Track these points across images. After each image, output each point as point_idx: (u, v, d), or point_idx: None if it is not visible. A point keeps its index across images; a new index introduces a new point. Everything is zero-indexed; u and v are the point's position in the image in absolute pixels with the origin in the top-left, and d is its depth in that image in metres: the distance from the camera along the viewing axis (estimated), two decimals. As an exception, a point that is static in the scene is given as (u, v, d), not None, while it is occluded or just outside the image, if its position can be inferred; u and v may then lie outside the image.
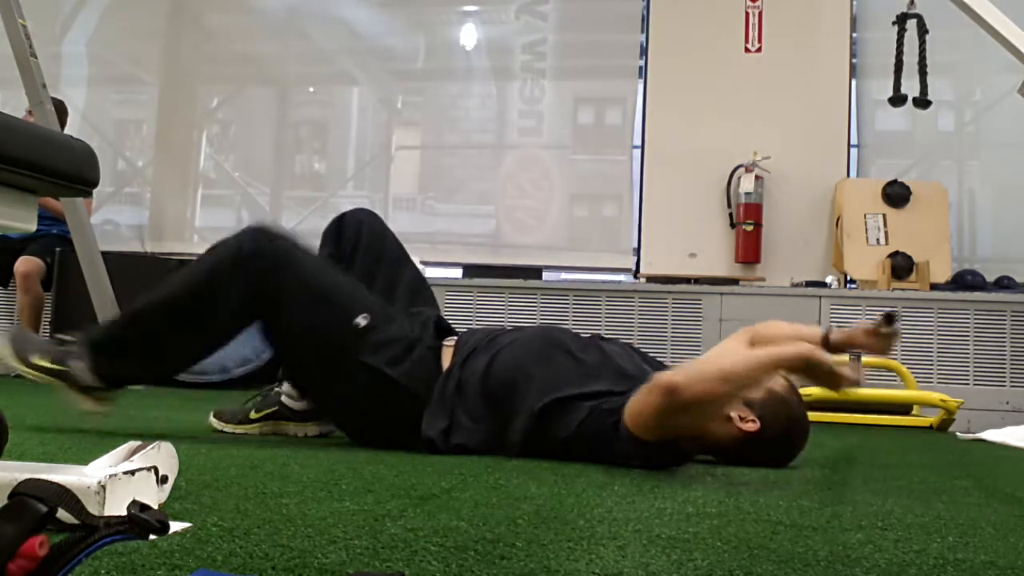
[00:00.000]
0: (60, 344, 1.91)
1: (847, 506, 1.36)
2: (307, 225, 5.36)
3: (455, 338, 1.94)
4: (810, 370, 1.57)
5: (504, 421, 1.79)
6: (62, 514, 0.77)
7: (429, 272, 4.52)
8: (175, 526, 0.93)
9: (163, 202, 5.49)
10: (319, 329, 1.83)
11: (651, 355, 2.03)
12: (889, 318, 1.67)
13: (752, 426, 1.77)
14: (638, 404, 1.62)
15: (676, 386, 1.55)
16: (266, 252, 1.82)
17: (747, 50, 4.76)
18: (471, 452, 1.77)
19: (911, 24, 3.69)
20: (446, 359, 1.86)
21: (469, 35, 5.40)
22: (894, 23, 3.72)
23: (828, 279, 4.33)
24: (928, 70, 3.73)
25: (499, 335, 1.93)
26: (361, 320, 1.83)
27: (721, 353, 1.94)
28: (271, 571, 0.81)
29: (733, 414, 1.78)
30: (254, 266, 1.81)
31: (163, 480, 1.06)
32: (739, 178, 4.61)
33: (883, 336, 1.70)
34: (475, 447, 1.78)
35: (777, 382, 1.87)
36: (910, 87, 3.75)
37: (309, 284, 1.85)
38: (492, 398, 1.80)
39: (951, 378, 3.85)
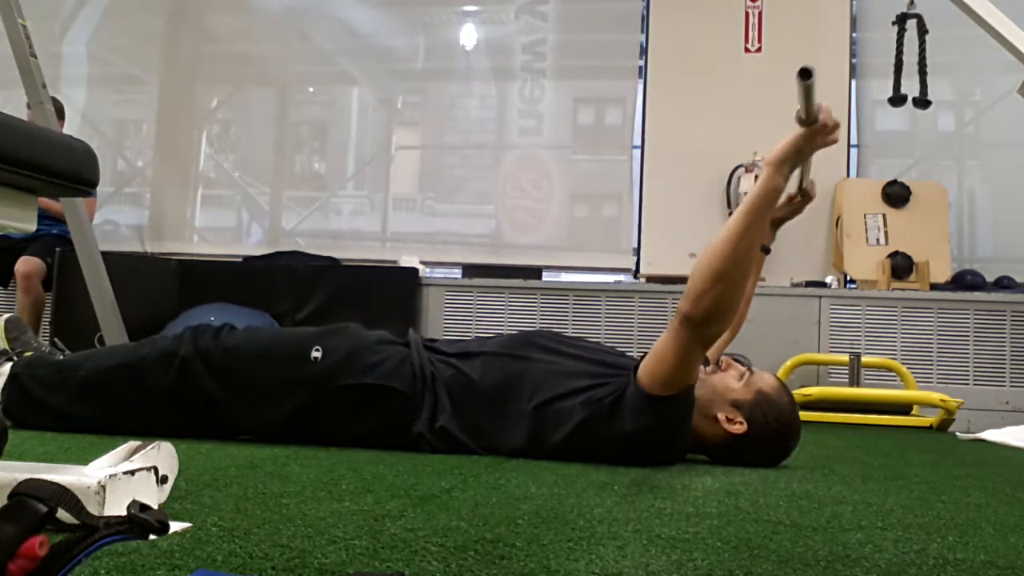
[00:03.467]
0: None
1: (847, 506, 1.36)
2: (307, 225, 5.37)
3: (417, 337, 1.98)
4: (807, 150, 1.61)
5: (491, 425, 1.80)
6: (62, 514, 0.77)
7: (429, 272, 4.54)
8: (175, 526, 0.93)
9: (163, 202, 5.49)
10: (288, 380, 1.83)
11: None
12: (805, 73, 1.61)
13: (739, 428, 1.77)
14: (659, 355, 1.63)
15: (686, 312, 1.58)
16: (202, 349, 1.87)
17: (747, 50, 4.76)
18: (456, 438, 1.78)
19: (911, 24, 3.69)
20: (415, 353, 1.88)
21: (469, 35, 5.40)
22: (894, 23, 3.72)
23: (828, 279, 4.33)
24: (928, 70, 3.73)
25: (467, 344, 1.98)
26: (315, 353, 1.84)
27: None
28: (271, 571, 0.81)
29: (720, 415, 1.78)
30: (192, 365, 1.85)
31: (163, 480, 1.06)
32: (739, 178, 4.61)
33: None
34: (457, 433, 1.79)
35: (767, 382, 1.87)
36: (910, 87, 3.75)
37: (251, 348, 1.88)
38: (471, 402, 1.82)
39: (951, 378, 3.85)
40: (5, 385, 1.93)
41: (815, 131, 1.57)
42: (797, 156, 1.60)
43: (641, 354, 1.74)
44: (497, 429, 1.79)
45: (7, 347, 2.02)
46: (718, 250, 1.58)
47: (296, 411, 1.83)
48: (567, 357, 1.85)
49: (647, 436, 1.68)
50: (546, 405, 1.76)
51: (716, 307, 1.58)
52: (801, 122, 1.57)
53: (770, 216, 1.69)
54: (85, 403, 1.88)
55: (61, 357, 2.03)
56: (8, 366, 1.95)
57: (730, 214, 4.65)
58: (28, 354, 2.02)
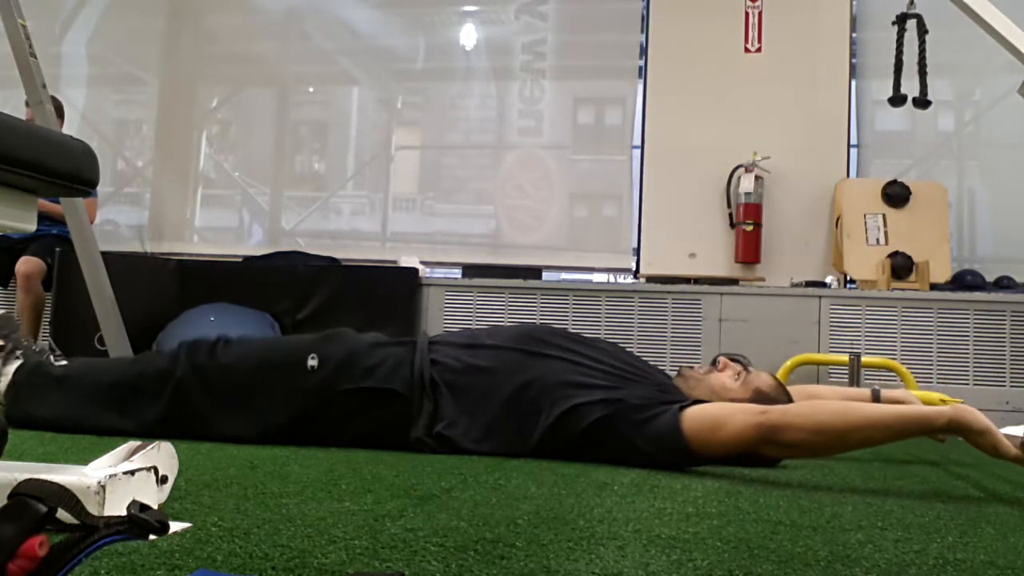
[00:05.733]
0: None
1: (847, 506, 1.36)
2: (307, 225, 5.38)
3: (420, 336, 1.96)
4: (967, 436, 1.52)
5: (504, 420, 1.78)
6: (62, 514, 0.77)
7: (429, 272, 4.54)
8: (175, 526, 0.93)
9: (163, 202, 5.49)
10: (286, 392, 1.83)
11: (644, 355, 2.04)
12: None
13: None
14: (718, 422, 1.61)
15: (775, 426, 1.56)
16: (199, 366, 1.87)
17: (747, 50, 4.76)
18: (455, 443, 1.77)
19: (911, 24, 3.68)
20: (416, 355, 1.86)
21: (469, 35, 5.40)
22: (894, 23, 3.72)
23: (828, 279, 4.33)
24: (928, 70, 3.73)
25: (477, 332, 1.95)
26: (311, 361, 1.84)
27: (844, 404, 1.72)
28: (271, 571, 0.81)
29: None
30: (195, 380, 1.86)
31: (163, 480, 1.06)
32: (739, 178, 4.62)
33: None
34: (459, 439, 1.77)
35: (764, 381, 1.88)
36: (910, 87, 3.74)
37: (247, 364, 1.88)
38: (484, 395, 1.80)
39: (951, 378, 3.85)
40: (8, 389, 1.93)
41: (1011, 455, 1.49)
42: (972, 436, 1.51)
43: (644, 355, 1.73)
44: (511, 427, 1.77)
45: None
46: (843, 422, 1.55)
47: (294, 420, 1.83)
48: (581, 355, 1.83)
49: (655, 459, 1.67)
50: (566, 402, 1.74)
51: (798, 448, 1.60)
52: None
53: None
54: (79, 418, 1.89)
55: (62, 364, 2.03)
56: (13, 367, 1.96)
57: (730, 214, 4.70)
58: (35, 349, 2.03)
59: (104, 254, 3.37)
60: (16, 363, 1.97)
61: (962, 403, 1.76)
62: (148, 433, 1.84)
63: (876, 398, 2.01)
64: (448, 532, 1.00)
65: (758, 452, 1.62)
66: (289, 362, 1.86)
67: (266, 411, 1.83)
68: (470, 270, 4.56)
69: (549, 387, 1.76)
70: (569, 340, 1.89)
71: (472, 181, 5.43)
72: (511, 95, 5.25)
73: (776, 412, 1.59)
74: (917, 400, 1.99)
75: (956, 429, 1.53)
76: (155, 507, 0.92)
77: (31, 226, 1.14)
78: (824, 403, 1.68)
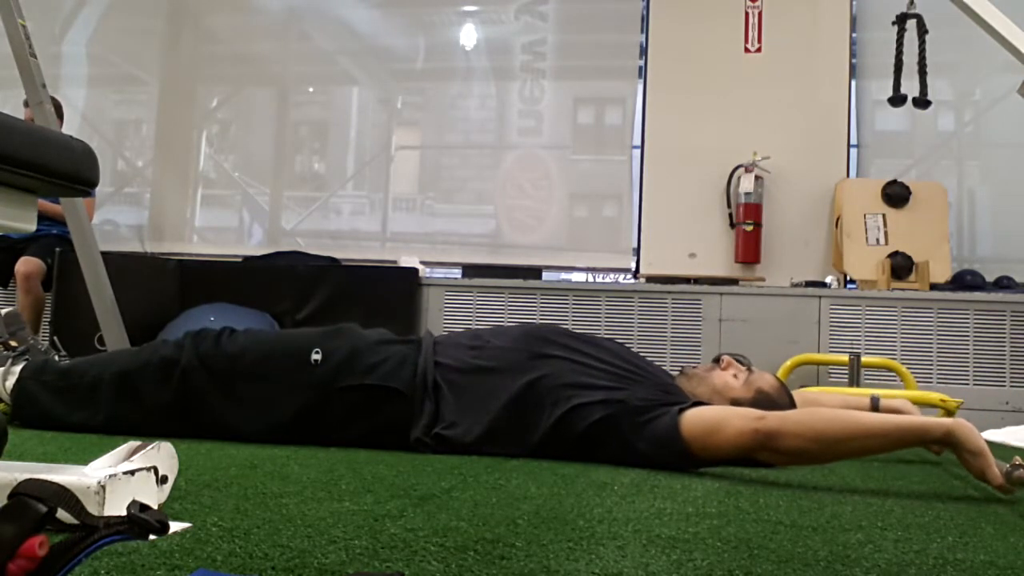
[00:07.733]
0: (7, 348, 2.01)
1: (847, 506, 1.36)
2: (307, 225, 5.38)
3: (426, 336, 1.96)
4: (956, 449, 1.52)
5: (506, 420, 1.78)
6: (62, 514, 0.77)
7: (429, 272, 4.54)
8: (175, 526, 0.93)
9: (163, 202, 5.49)
10: (289, 385, 1.83)
11: (644, 355, 2.03)
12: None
13: None
14: (717, 425, 1.61)
15: (773, 432, 1.55)
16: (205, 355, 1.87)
17: (747, 50, 4.76)
18: (455, 444, 1.77)
19: (911, 24, 3.68)
20: (421, 355, 1.86)
21: (469, 35, 5.40)
22: (894, 23, 3.72)
23: (828, 279, 4.33)
24: (928, 70, 3.73)
25: (481, 332, 1.96)
26: (315, 355, 1.84)
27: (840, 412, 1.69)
28: (271, 571, 0.81)
29: None
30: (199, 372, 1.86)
31: (163, 480, 1.06)
32: (739, 178, 4.62)
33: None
34: (459, 439, 1.77)
35: (767, 381, 1.88)
36: (910, 87, 3.75)
37: (253, 355, 1.87)
38: (486, 396, 1.80)
39: (951, 378, 3.85)
40: (14, 387, 1.93)
41: (996, 483, 1.48)
42: (965, 454, 1.50)
43: (646, 353, 1.73)
44: (513, 427, 1.77)
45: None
46: (841, 430, 1.55)
47: (297, 414, 1.83)
48: (585, 355, 1.83)
49: (654, 460, 1.67)
50: (567, 402, 1.74)
51: (794, 455, 1.59)
52: (1008, 479, 1.49)
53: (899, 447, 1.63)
54: (87, 410, 1.89)
55: (67, 361, 2.04)
56: (20, 367, 1.96)
57: (730, 214, 4.70)
58: (40, 348, 2.04)
59: (104, 254, 3.37)
60: (21, 365, 1.97)
61: (961, 403, 1.75)
62: (157, 421, 1.85)
63: (875, 406, 2.01)
64: (448, 532, 1.00)
65: (755, 457, 1.61)
66: (293, 355, 1.86)
67: (270, 403, 1.83)
68: (470, 270, 4.56)
69: (551, 387, 1.76)
70: (573, 339, 1.89)
71: (472, 181, 5.43)
72: (511, 95, 5.25)
73: (774, 418, 1.58)
74: (915, 409, 1.99)
75: (951, 443, 1.52)
76: (155, 507, 0.92)
77: (31, 226, 1.14)
78: (822, 411, 1.68)
